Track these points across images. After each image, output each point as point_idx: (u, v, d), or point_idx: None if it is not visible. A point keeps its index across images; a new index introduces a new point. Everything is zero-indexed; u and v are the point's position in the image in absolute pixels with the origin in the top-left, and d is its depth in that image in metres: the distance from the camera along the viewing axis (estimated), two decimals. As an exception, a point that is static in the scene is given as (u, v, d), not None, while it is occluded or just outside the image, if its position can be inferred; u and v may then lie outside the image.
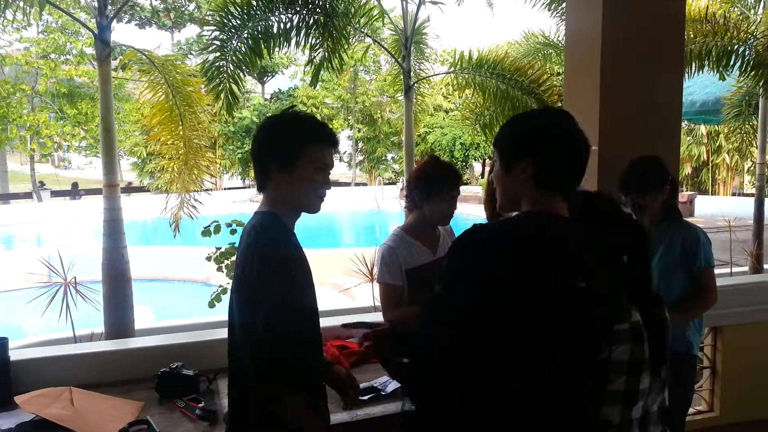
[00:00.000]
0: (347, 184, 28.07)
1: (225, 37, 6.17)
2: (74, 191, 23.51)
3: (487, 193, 2.35)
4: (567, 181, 1.34)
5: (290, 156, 1.64)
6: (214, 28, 6.25)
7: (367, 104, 27.13)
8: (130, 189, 25.02)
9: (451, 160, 25.20)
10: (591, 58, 2.96)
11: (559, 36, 8.71)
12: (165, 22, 28.65)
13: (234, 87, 6.27)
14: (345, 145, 29.47)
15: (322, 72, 6.83)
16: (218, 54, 6.22)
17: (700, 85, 9.69)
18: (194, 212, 6.94)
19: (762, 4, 8.43)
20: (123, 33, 40.32)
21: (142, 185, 25.32)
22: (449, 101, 25.56)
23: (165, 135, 6.77)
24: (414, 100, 8.20)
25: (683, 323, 2.51)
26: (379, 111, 26.92)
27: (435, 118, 25.50)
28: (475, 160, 26.63)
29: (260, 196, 1.77)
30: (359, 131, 27.48)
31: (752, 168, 9.09)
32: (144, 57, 6.41)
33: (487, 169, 28.16)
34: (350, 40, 6.83)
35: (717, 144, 14.01)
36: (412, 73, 7.70)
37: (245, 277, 1.61)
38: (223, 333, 2.63)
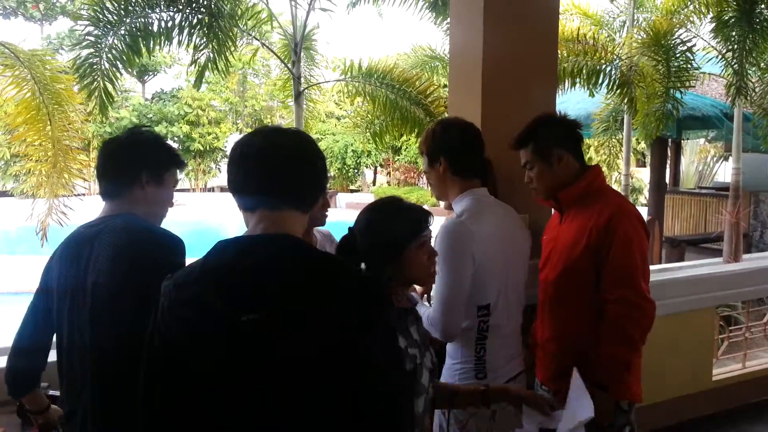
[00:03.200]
0: (236, 190, 27.31)
1: (99, 33, 5.78)
2: None
3: None
4: (250, 200, 1.30)
5: (162, 170, 1.93)
6: (87, 22, 5.83)
7: (257, 108, 26.65)
8: (-9, 193, 22.78)
9: (343, 167, 25.29)
10: (473, 71, 3.05)
11: (444, 50, 8.99)
12: (33, 14, 26.48)
13: (109, 86, 5.88)
14: (234, 149, 28.69)
15: (207, 73, 6.60)
16: (92, 50, 5.81)
17: (573, 101, 10.42)
18: (64, 219, 6.41)
19: (626, 28, 9.20)
20: (-16, 22, 36.75)
21: (5, 189, 23.13)
22: (341, 108, 25.69)
23: (31, 135, 6.21)
24: (305, 106, 8.12)
25: None
26: (269, 116, 26.52)
27: (327, 124, 25.52)
28: (366, 167, 26.91)
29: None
30: (249, 136, 26.88)
31: (618, 179, 9.90)
32: (7, 51, 5.85)
33: (380, 176, 28.57)
34: (237, 42, 6.63)
35: (588, 156, 15.13)
36: (302, 78, 7.62)
37: None
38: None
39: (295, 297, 1.16)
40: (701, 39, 8.47)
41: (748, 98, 7.90)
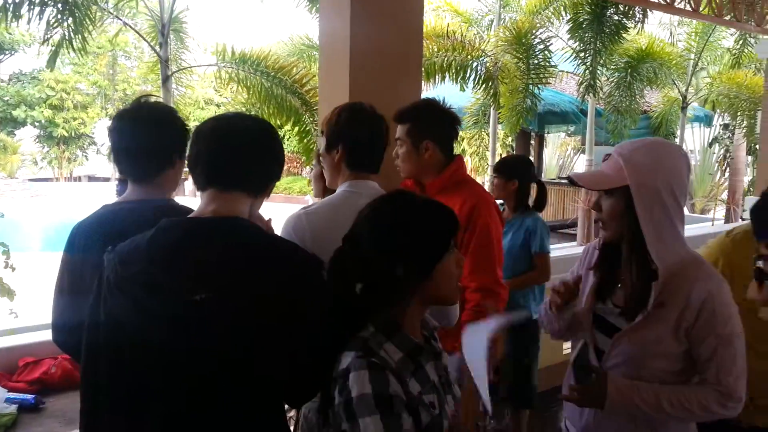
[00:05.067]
0: (107, 180, 25.68)
1: (-69, 4, 5.18)
2: None
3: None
4: (201, 178, 1.30)
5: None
6: None
7: (129, 93, 25.10)
8: None
9: (222, 155, 24.52)
10: (341, 62, 3.10)
11: (321, 39, 8.97)
12: None
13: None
14: (104, 136, 26.92)
15: (72, 54, 6.15)
16: None
17: (447, 95, 10.81)
18: None
19: (493, 26, 9.71)
20: None
21: None
22: (221, 95, 24.89)
23: None
24: (176, 91, 7.79)
25: (516, 289, 3.01)
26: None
27: (206, 111, 24.60)
28: (247, 156, 26.26)
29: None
30: (120, 122, 25.27)
31: (487, 169, 10.47)
32: None
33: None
34: (97, 22, 6.22)
35: (462, 148, 15.82)
36: (172, 62, 7.31)
37: None
38: None
39: (241, 279, 1.18)
40: (560, 39, 9.16)
41: (598, 95, 8.67)
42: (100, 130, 26.63)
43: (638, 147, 1.48)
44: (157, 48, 7.11)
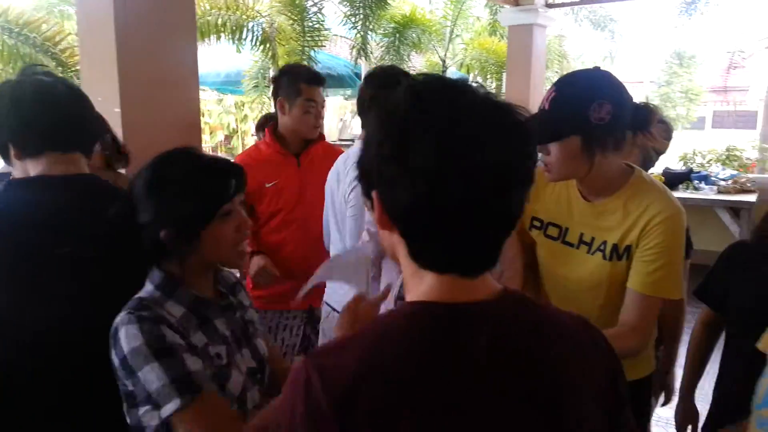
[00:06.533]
0: None
1: None
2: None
3: None
4: (38, 143, 1.30)
5: None
6: None
7: None
8: None
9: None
10: (104, 18, 2.88)
11: (75, -8, 8.06)
12: None
13: None
14: None
15: None
16: None
17: (223, 57, 10.43)
18: None
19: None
20: None
21: None
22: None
23: None
24: None
25: None
26: None
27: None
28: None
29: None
30: None
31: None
32: None
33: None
34: None
35: (243, 113, 15.47)
36: None
37: None
38: None
39: (106, 231, 1.20)
40: (332, 2, 9.38)
41: (370, 59, 9.13)
42: None
43: None
44: None
